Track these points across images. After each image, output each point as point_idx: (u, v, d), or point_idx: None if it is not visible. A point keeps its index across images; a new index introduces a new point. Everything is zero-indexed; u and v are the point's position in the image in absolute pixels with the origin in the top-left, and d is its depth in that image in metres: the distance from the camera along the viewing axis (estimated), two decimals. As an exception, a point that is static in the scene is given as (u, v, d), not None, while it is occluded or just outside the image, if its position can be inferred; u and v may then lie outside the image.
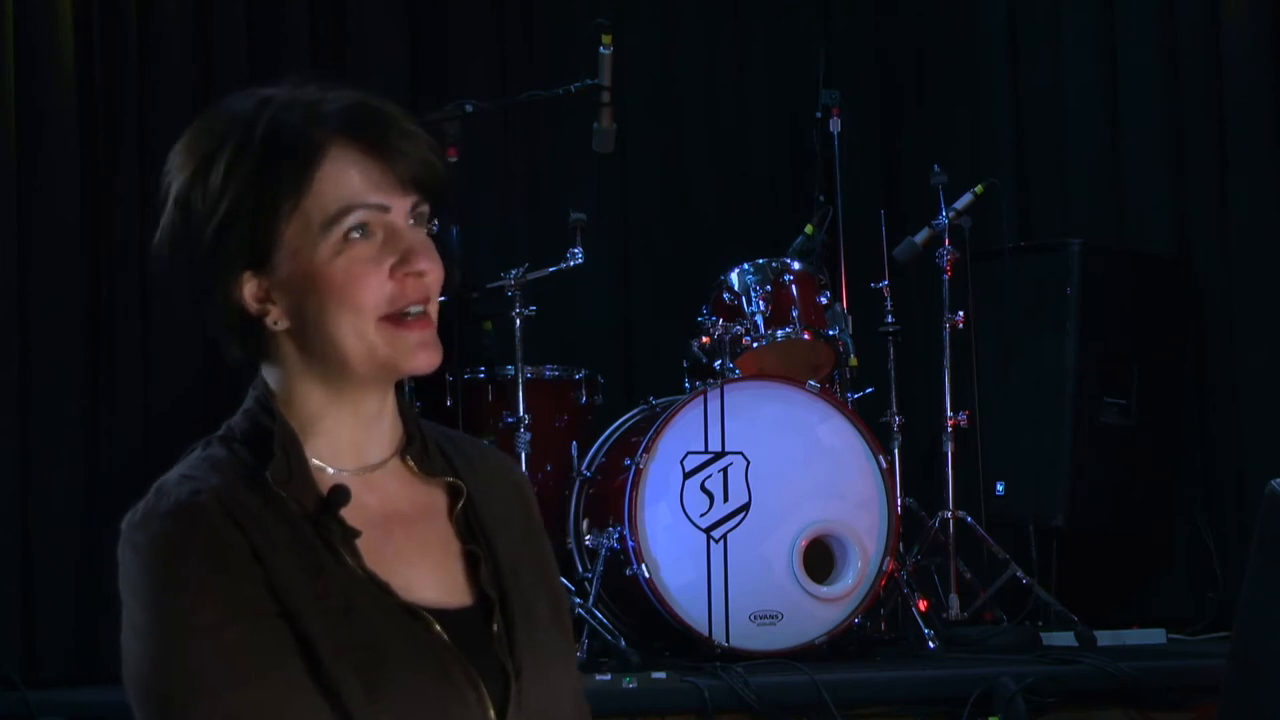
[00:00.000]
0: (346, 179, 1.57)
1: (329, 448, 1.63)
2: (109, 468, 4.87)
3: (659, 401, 4.96)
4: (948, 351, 5.19)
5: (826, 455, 4.76)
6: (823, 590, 4.67)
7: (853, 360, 5.06)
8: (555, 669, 1.66)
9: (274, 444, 1.59)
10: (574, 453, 5.01)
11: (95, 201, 4.96)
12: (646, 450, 4.62)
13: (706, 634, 4.53)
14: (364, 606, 1.55)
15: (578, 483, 4.92)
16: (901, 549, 4.84)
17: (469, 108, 4.85)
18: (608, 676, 4.08)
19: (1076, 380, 5.46)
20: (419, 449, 1.68)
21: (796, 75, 6.04)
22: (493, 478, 1.73)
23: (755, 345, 4.93)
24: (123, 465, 4.84)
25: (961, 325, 5.16)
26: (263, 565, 1.53)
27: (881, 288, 5.22)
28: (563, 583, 1.80)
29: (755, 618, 4.60)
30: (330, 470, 1.62)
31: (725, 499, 4.65)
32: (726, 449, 4.66)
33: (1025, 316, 5.52)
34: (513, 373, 4.87)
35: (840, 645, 4.72)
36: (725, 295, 5.02)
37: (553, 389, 5.07)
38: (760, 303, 4.96)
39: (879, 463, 4.76)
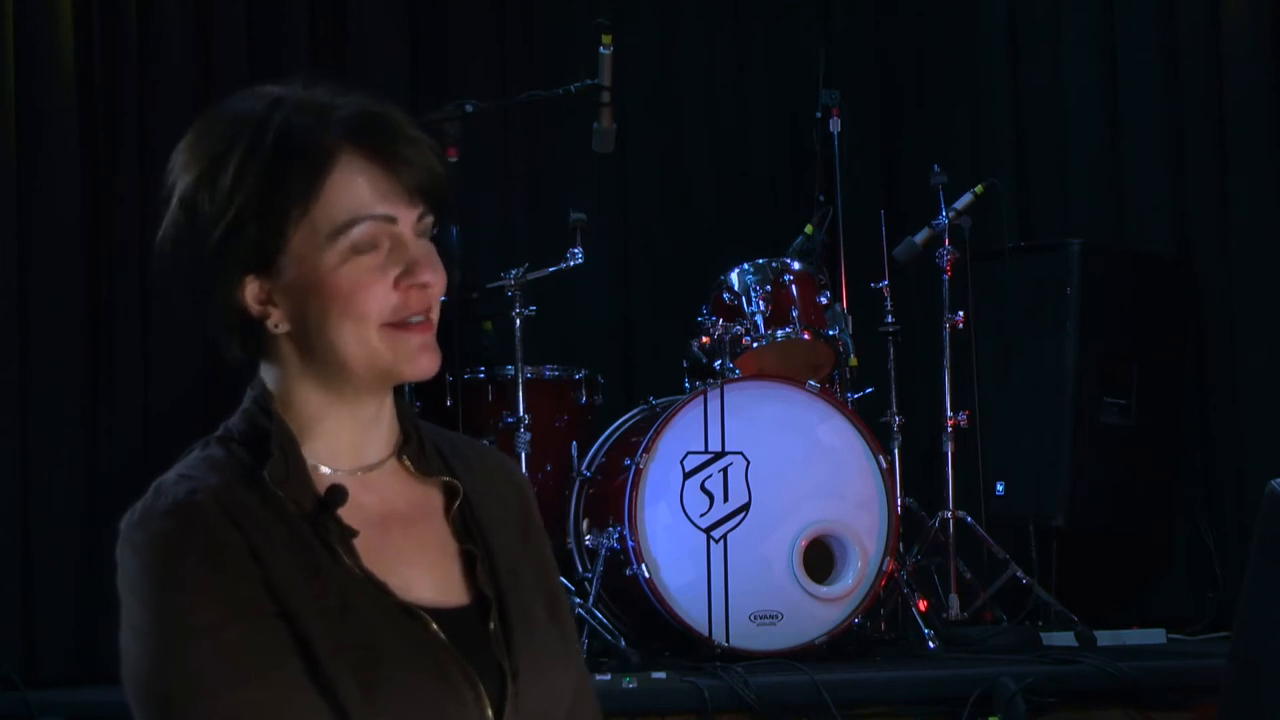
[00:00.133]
0: (355, 188, 1.57)
1: (327, 448, 1.63)
2: (109, 468, 4.87)
3: (659, 401, 4.96)
4: (948, 351, 5.19)
5: (826, 455, 4.76)
6: (823, 590, 4.67)
7: (853, 360, 5.06)
8: (554, 669, 1.66)
9: (271, 444, 1.59)
10: (574, 453, 5.01)
11: (95, 201, 4.96)
12: (646, 450, 4.62)
13: (706, 634, 4.53)
14: (361, 606, 1.55)
15: (578, 483, 4.92)
16: (901, 549, 4.84)
17: (469, 108, 4.85)
18: (608, 676, 4.08)
19: (1076, 380, 5.46)
20: (416, 449, 1.68)
21: (796, 75, 6.04)
22: (491, 478, 1.73)
23: (755, 345, 4.93)
24: (123, 465, 4.84)
25: (961, 325, 5.16)
26: (261, 565, 1.53)
27: (881, 288, 5.22)
28: (563, 583, 1.80)
29: (755, 618, 4.60)
30: (328, 470, 1.62)
31: (725, 499, 4.65)
32: (726, 449, 4.66)
33: (1025, 316, 5.52)
34: (513, 373, 4.87)
35: (840, 645, 4.72)
36: (725, 295, 5.02)
37: (553, 389, 5.07)
38: (760, 303, 4.96)
39: (879, 463, 4.76)
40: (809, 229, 5.33)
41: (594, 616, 4.54)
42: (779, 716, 4.01)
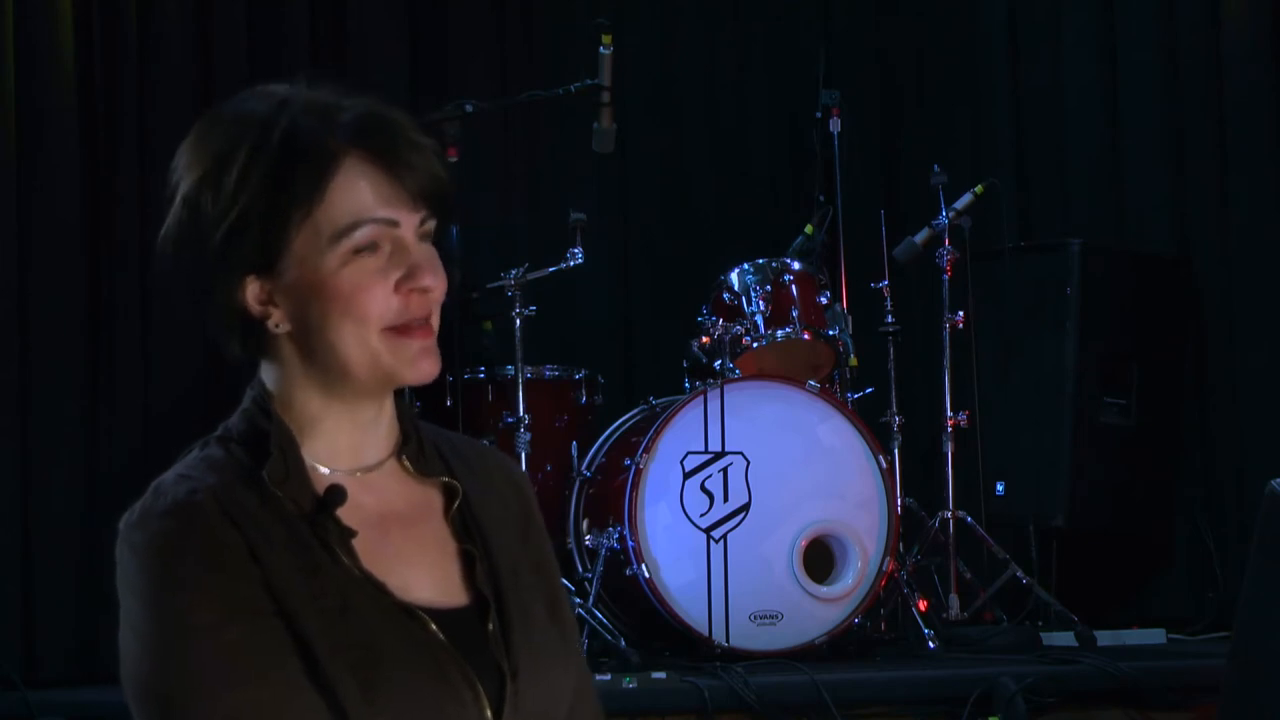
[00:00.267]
0: (358, 191, 1.57)
1: (326, 449, 1.63)
2: (109, 468, 4.87)
3: (659, 401, 4.96)
4: (948, 351, 5.19)
5: (826, 455, 4.76)
6: (823, 590, 4.67)
7: (853, 360, 5.06)
8: (554, 669, 1.66)
9: (271, 444, 1.59)
10: (574, 453, 5.01)
11: (95, 201, 4.96)
12: (646, 450, 4.62)
13: (706, 634, 4.53)
14: (360, 606, 1.55)
15: (578, 483, 4.92)
16: (901, 549, 4.84)
17: (469, 108, 4.85)
18: (608, 676, 4.08)
19: (1076, 380, 5.46)
20: (415, 450, 1.68)
21: (796, 75, 6.04)
22: (491, 478, 1.73)
23: (755, 345, 4.93)
24: (123, 465, 4.84)
25: (961, 325, 5.16)
26: (260, 565, 1.54)
27: (881, 288, 5.22)
28: (563, 583, 1.79)
29: (755, 618, 4.60)
30: (327, 471, 1.62)
31: (725, 499, 4.65)
32: (726, 449, 4.66)
33: (1025, 316, 5.52)
34: (513, 373, 4.87)
35: (840, 645, 4.72)
36: (725, 295, 5.02)
37: (553, 389, 5.07)
38: (760, 303, 4.96)
39: (879, 463, 4.76)
40: (809, 229, 5.33)
41: (594, 616, 4.54)
42: (779, 716, 4.01)
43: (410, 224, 1.59)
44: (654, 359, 5.88)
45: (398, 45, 5.78)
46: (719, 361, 4.85)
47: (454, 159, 4.75)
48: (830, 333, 4.99)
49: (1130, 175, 5.88)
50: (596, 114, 4.90)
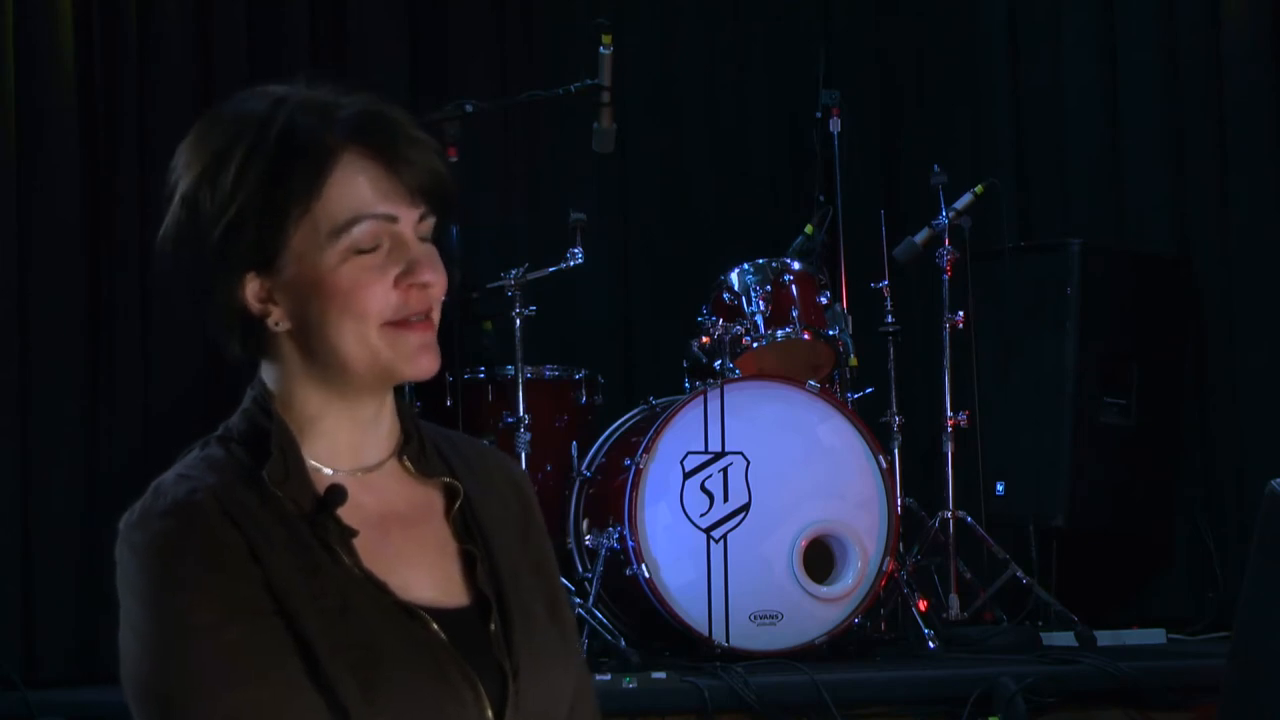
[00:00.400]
0: (357, 187, 1.57)
1: (326, 448, 1.63)
2: (109, 468, 4.87)
3: (659, 401, 4.96)
4: (948, 351, 5.19)
5: (826, 455, 4.76)
6: (823, 590, 4.67)
7: (853, 360, 5.06)
8: (555, 669, 1.66)
9: (271, 444, 1.59)
10: (574, 453, 5.01)
11: (95, 201, 4.96)
12: (646, 450, 4.62)
13: (706, 634, 4.53)
14: (360, 606, 1.55)
15: (578, 483, 4.92)
16: (901, 549, 4.84)
17: (469, 108, 4.85)
18: (608, 676, 4.08)
19: (1076, 380, 5.46)
20: (416, 449, 1.68)
21: (796, 75, 6.04)
22: (492, 478, 1.73)
23: (755, 345, 4.93)
24: (123, 465, 4.84)
25: (961, 325, 5.16)
26: (260, 564, 1.53)
27: (881, 288, 5.22)
28: (563, 583, 1.79)
29: (755, 618, 4.60)
30: (327, 471, 1.62)
31: (725, 499, 4.65)
32: (726, 449, 4.66)
33: (1025, 316, 5.52)
34: (513, 373, 4.87)
35: (840, 645, 4.72)
36: (725, 295, 5.02)
37: (553, 389, 5.07)
38: (760, 303, 4.96)
39: (879, 463, 4.76)
40: (809, 229, 5.33)
41: (594, 616, 4.54)
42: (779, 716, 4.01)
43: (409, 220, 1.59)
44: (654, 359, 5.88)
45: (398, 45, 5.78)
46: (719, 361, 4.85)
47: (454, 159, 4.75)
48: (830, 333, 4.99)
49: (1130, 175, 5.88)
50: (596, 114, 4.90)
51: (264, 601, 1.52)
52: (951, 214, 5.17)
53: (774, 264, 5.03)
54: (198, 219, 1.58)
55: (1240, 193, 5.47)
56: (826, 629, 4.64)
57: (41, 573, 4.76)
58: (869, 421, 4.88)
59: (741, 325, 4.92)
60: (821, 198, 5.47)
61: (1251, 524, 3.00)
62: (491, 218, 5.85)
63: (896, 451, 5.07)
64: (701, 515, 4.63)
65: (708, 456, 4.66)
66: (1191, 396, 5.66)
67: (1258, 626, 2.81)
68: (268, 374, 1.64)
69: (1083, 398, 5.46)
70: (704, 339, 4.97)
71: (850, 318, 5.10)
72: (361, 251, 1.57)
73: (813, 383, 4.84)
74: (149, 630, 1.52)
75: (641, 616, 4.70)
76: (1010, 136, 6.21)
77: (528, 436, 4.82)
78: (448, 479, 1.68)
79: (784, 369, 4.97)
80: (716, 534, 4.61)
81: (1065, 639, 4.82)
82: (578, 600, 4.57)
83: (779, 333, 4.94)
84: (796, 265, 5.07)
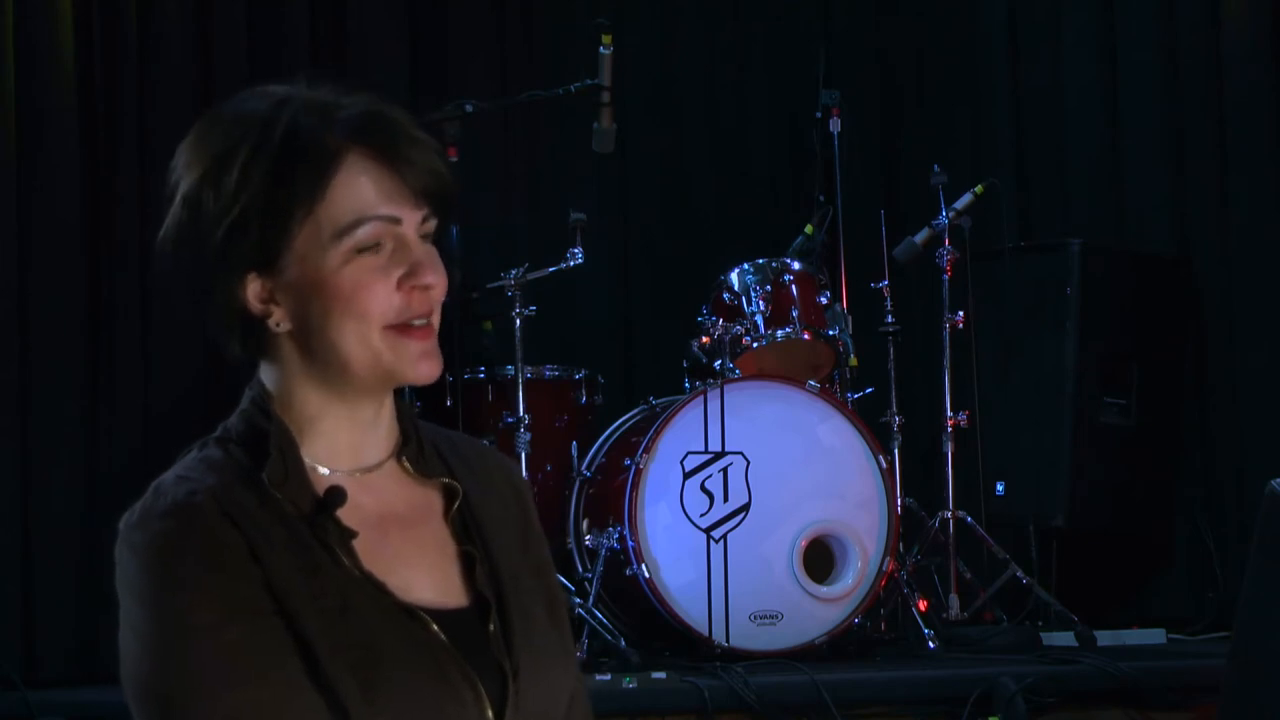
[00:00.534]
0: (360, 188, 1.57)
1: (326, 449, 1.63)
2: (109, 468, 4.87)
3: (659, 401, 4.96)
4: (948, 351, 5.19)
5: (826, 455, 4.76)
6: (823, 590, 4.67)
7: (853, 360, 5.06)
8: (554, 670, 1.66)
9: (270, 445, 1.59)
10: (574, 453, 5.01)
11: (95, 201, 4.96)
12: (646, 450, 4.62)
13: (706, 634, 4.53)
14: (360, 606, 1.55)
15: (578, 483, 4.92)
16: (901, 549, 4.84)
17: (469, 108, 4.85)
18: (608, 676, 4.08)
19: (1076, 380, 5.46)
20: (415, 450, 1.68)
21: (796, 75, 6.04)
22: (491, 478, 1.73)
23: (755, 345, 4.93)
24: (123, 465, 4.84)
25: (961, 325, 5.16)
26: (260, 565, 1.54)
27: (881, 288, 5.22)
28: (562, 583, 1.80)
29: (755, 618, 4.60)
30: (326, 471, 1.62)
31: (725, 499, 4.65)
32: (726, 449, 4.66)
33: (1025, 316, 5.52)
34: (513, 373, 4.87)
35: (840, 645, 4.72)
36: (725, 295, 5.02)
37: (553, 389, 5.07)
38: (760, 303, 4.96)
39: (879, 463, 4.76)
40: (809, 229, 5.33)
41: (594, 616, 4.54)
42: (779, 716, 4.01)
43: (412, 221, 1.59)
44: (654, 359, 5.88)
45: (398, 45, 5.78)
46: (719, 361, 4.85)
47: (454, 159, 4.75)
48: (830, 333, 4.99)
49: (1130, 175, 5.88)
50: (596, 114, 4.90)
51: (264, 602, 1.52)
52: (951, 214, 5.17)
53: (774, 264, 5.03)
54: (200, 219, 1.58)
55: (1240, 193, 5.47)
56: (826, 629, 4.64)
57: (41, 573, 4.76)
58: (869, 421, 4.88)
59: (741, 325, 4.92)
60: (821, 198, 5.47)
61: (1251, 524, 3.00)
62: (491, 218, 5.85)
63: (896, 451, 5.07)
64: (701, 515, 4.63)
65: (708, 456, 4.66)
66: (1191, 396, 5.66)
67: (1258, 626, 2.81)
68: (267, 374, 1.64)
69: (1083, 398, 5.46)
70: (704, 339, 4.97)
71: (850, 318, 5.10)
72: (364, 252, 1.57)
73: (813, 383, 4.84)
74: (149, 630, 1.52)
75: (641, 616, 4.70)
76: (1010, 136, 6.21)
77: (528, 436, 4.82)
78: (446, 480, 1.68)
79: (784, 369, 4.97)
80: (716, 534, 4.61)
81: (1065, 639, 4.82)
82: (577, 600, 4.57)
83: (779, 333, 4.94)
84: (796, 265, 5.07)
